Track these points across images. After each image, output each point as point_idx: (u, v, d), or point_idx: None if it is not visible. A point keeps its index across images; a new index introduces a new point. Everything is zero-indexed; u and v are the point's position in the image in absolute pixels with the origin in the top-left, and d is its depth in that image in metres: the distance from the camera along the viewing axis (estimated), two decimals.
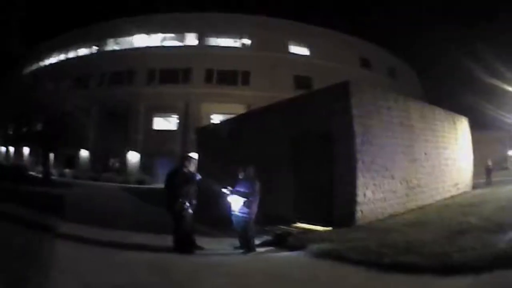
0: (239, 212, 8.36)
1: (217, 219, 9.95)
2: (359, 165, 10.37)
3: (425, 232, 8.22)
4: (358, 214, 10.07)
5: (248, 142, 15.08)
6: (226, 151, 16.35)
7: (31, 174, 31.88)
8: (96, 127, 39.20)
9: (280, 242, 8.95)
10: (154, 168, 35.67)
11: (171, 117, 39.35)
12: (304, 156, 12.13)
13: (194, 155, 20.77)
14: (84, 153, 38.85)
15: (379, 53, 46.85)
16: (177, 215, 7.94)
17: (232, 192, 8.51)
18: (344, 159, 10.57)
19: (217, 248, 8.56)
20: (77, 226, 10.12)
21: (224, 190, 8.64)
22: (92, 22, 45.58)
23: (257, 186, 8.46)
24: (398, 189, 11.71)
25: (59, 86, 29.64)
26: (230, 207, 8.62)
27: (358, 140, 10.47)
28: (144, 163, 36.87)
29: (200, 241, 8.51)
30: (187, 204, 7.97)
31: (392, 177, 11.52)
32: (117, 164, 38.65)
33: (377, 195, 10.78)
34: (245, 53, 39.82)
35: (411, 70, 52.40)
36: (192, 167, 8.53)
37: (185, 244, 7.97)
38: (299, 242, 8.49)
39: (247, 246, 8.28)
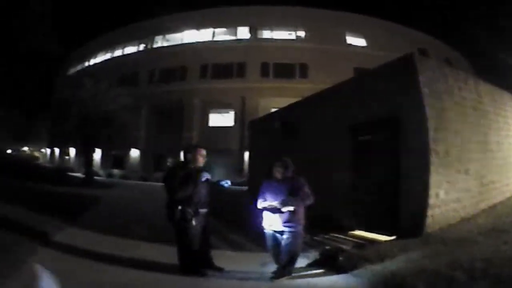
0: (284, 226, 5.95)
1: (255, 226, 7.26)
2: (433, 157, 8.04)
3: (503, 243, 6.39)
4: (429, 220, 7.82)
5: (303, 134, 13.09)
6: (277, 146, 14.43)
7: (72, 175, 30.87)
8: (147, 126, 38.87)
9: (328, 261, 6.70)
10: (209, 166, 34.15)
11: (228, 113, 37.99)
12: (366, 148, 9.92)
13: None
14: (134, 153, 38.26)
15: (435, 44, 44.11)
16: (179, 227, 5.85)
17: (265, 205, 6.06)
18: (414, 150, 8.33)
19: (241, 270, 6.37)
20: (82, 233, 8.85)
21: (260, 204, 6.11)
22: (138, 20, 45.70)
23: (306, 185, 6.07)
24: (472, 186, 9.31)
25: (104, 85, 29.30)
26: (261, 222, 6.26)
27: (431, 125, 8.14)
28: None
29: (224, 257, 6.73)
30: (191, 212, 5.76)
31: (466, 172, 9.08)
32: (170, 163, 37.33)
33: (450, 195, 8.43)
34: (301, 45, 38.07)
35: (465, 61, 48.63)
36: (201, 162, 6.21)
37: (193, 264, 5.93)
38: (350, 261, 6.41)
39: (283, 267, 5.96)
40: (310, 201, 5.98)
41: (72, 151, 43.80)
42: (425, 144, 8.06)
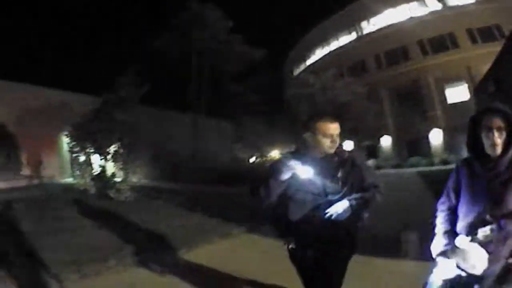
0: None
1: None
2: None
3: None
4: None
5: None
6: None
7: None
8: (391, 111, 40.24)
9: None
10: (458, 145, 32.93)
11: (461, 86, 37.61)
12: None
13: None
14: (386, 141, 38.25)
15: None
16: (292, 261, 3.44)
17: None
18: None
19: None
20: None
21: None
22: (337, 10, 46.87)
23: None
24: None
25: (329, 78, 29.59)
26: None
27: None
28: (447, 141, 35.82)
29: None
30: (289, 241, 3.34)
31: None
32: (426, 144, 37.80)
33: None
34: (491, 6, 36.54)
35: None
36: (324, 144, 3.18)
37: None
38: None
39: None
40: None
41: None
42: None
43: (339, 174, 3.16)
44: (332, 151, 3.18)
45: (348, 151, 3.36)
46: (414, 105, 37.75)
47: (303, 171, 2.97)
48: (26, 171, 21.71)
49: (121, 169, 15.43)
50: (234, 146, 39.70)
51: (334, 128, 3.16)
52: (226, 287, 5.74)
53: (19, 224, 9.71)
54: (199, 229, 9.63)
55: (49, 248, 7.37)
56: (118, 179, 15.26)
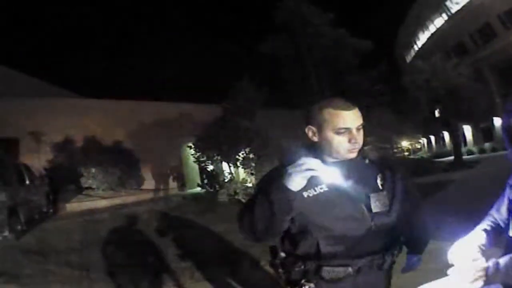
0: None
1: None
2: None
3: None
4: None
5: None
6: None
7: (439, 161, 30.26)
8: (496, 90, 37.24)
9: None
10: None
11: None
12: None
13: None
14: (497, 121, 36.82)
15: None
16: None
17: None
18: None
19: None
20: None
21: None
22: None
23: None
24: None
25: (437, 62, 28.41)
26: None
27: None
28: None
29: None
30: (298, 270, 1.87)
31: None
32: None
33: None
34: None
35: None
36: (338, 146, 1.84)
37: None
38: None
39: None
40: None
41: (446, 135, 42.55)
42: None
43: (381, 186, 1.94)
44: (353, 155, 1.88)
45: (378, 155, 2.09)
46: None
47: (331, 175, 1.61)
48: (150, 184, 22.50)
49: (251, 174, 15.52)
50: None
51: (352, 117, 1.84)
52: None
53: (141, 236, 10.16)
54: None
55: (168, 257, 7.88)
56: (249, 185, 15.39)
